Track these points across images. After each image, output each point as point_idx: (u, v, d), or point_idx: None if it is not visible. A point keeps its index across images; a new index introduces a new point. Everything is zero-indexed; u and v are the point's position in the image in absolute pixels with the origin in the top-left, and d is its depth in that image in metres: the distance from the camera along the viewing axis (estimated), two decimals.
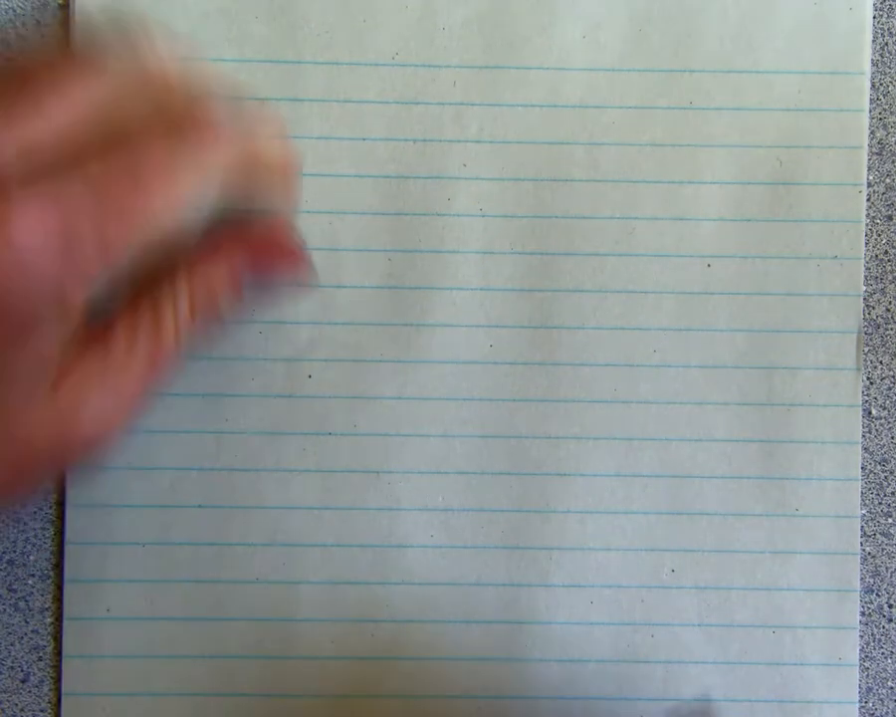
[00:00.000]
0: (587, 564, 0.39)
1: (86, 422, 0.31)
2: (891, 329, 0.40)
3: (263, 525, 0.39)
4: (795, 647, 0.39)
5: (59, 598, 0.39)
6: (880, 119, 0.40)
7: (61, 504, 0.39)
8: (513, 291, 0.39)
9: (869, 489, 0.40)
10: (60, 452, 0.31)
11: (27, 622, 0.39)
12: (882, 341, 0.40)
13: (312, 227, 0.39)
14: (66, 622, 0.39)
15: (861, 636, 0.40)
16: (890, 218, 0.40)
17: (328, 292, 0.39)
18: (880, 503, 0.40)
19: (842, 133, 0.39)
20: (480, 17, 0.39)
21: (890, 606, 0.40)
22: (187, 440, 0.39)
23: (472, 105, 0.39)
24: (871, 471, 0.40)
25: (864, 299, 0.40)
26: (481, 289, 0.39)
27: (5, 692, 0.39)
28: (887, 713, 0.40)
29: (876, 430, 0.40)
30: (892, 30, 0.40)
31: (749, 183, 0.39)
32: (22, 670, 0.39)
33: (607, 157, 0.39)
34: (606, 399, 0.39)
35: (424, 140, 0.39)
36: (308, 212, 0.39)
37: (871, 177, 0.40)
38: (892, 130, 0.40)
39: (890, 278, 0.40)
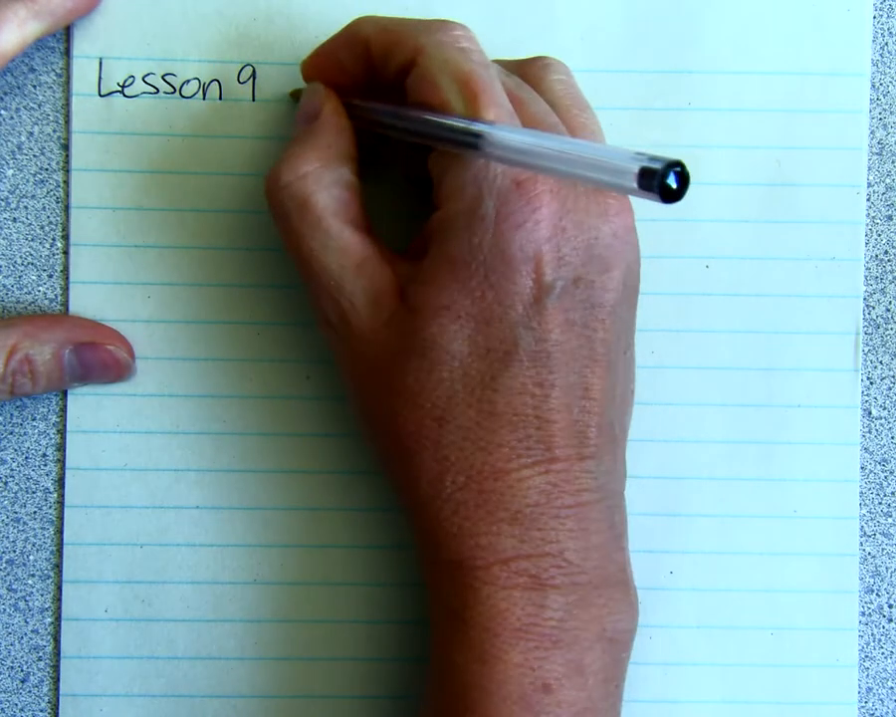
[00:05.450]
0: None
1: None
2: (891, 329, 0.40)
3: (261, 526, 0.39)
4: (794, 649, 0.39)
5: (59, 599, 0.39)
6: (880, 119, 0.40)
7: (60, 504, 0.39)
8: None
9: (869, 489, 0.40)
10: None
11: (27, 622, 0.39)
12: (882, 341, 0.40)
13: None
14: (64, 623, 0.39)
15: (861, 636, 0.40)
16: (890, 218, 0.40)
17: None
18: (880, 503, 0.40)
19: (841, 135, 0.39)
20: (479, 18, 0.39)
21: (890, 606, 0.40)
22: (185, 442, 0.39)
23: None
24: (871, 471, 0.40)
25: (864, 299, 0.40)
26: None
27: (5, 692, 0.39)
28: (887, 713, 0.40)
29: (876, 430, 0.40)
30: (892, 30, 0.40)
31: (747, 184, 0.39)
32: (22, 670, 0.39)
33: None
34: None
35: None
36: None
37: (871, 177, 0.40)
38: (892, 130, 0.40)
39: (890, 278, 0.40)
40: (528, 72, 0.35)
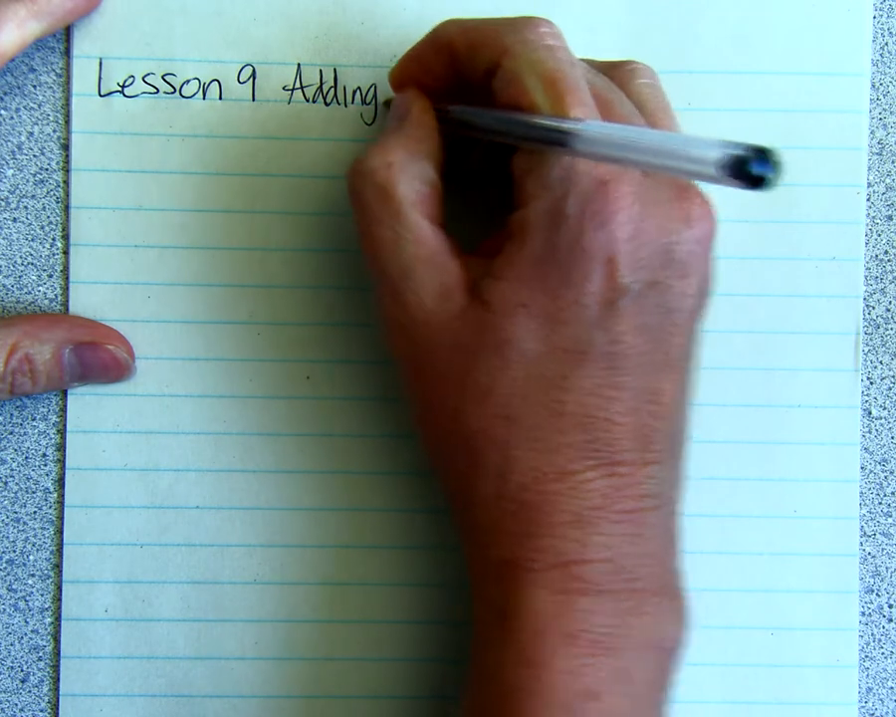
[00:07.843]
0: None
1: None
2: (891, 329, 0.40)
3: (261, 526, 0.39)
4: (794, 649, 0.39)
5: (58, 599, 0.39)
6: (880, 119, 0.40)
7: (60, 504, 0.39)
8: None
9: (869, 489, 0.40)
10: None
11: (27, 622, 0.39)
12: (882, 341, 0.40)
13: (320, 227, 0.39)
14: (64, 623, 0.39)
15: (861, 637, 0.40)
16: (890, 218, 0.40)
17: (327, 293, 0.39)
18: (880, 503, 0.40)
19: (841, 134, 0.39)
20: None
21: (890, 607, 0.40)
22: (185, 442, 0.39)
23: None
24: (871, 471, 0.40)
25: (864, 299, 0.40)
26: None
27: (5, 692, 0.39)
28: (887, 713, 0.40)
29: (876, 430, 0.40)
30: (892, 30, 0.40)
31: None
32: (22, 670, 0.39)
33: None
34: None
35: None
36: (315, 213, 0.39)
37: (871, 177, 0.40)
38: (892, 130, 0.40)
39: (890, 278, 0.40)
40: (615, 75, 0.35)
